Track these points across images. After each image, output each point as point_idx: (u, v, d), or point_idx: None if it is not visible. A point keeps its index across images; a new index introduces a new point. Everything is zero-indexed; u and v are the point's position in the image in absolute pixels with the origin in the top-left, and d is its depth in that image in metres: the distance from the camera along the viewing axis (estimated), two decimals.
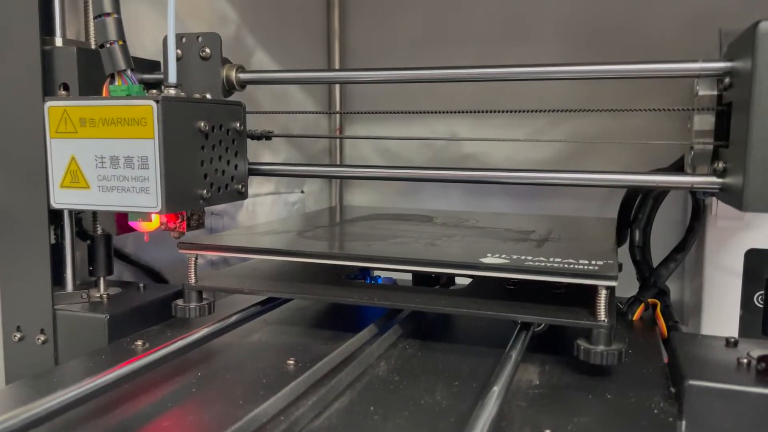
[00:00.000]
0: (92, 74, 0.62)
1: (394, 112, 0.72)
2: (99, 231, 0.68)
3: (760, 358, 0.47)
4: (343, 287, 0.62)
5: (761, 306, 0.69)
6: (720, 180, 0.53)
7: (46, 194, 0.61)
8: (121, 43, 0.55)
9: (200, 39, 0.63)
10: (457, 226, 0.75)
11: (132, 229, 0.60)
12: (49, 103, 0.54)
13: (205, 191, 0.57)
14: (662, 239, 0.76)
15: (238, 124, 0.61)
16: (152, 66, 0.69)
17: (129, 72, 0.55)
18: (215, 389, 0.50)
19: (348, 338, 0.57)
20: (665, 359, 0.57)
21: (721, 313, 0.71)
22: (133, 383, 0.49)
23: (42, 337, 0.62)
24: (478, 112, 0.68)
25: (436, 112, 0.70)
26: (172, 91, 0.54)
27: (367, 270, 0.75)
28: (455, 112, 0.69)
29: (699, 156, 0.56)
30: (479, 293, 0.61)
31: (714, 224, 0.69)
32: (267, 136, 0.69)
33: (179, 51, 0.63)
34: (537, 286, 0.57)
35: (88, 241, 0.68)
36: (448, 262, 0.57)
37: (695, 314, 0.76)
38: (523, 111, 0.65)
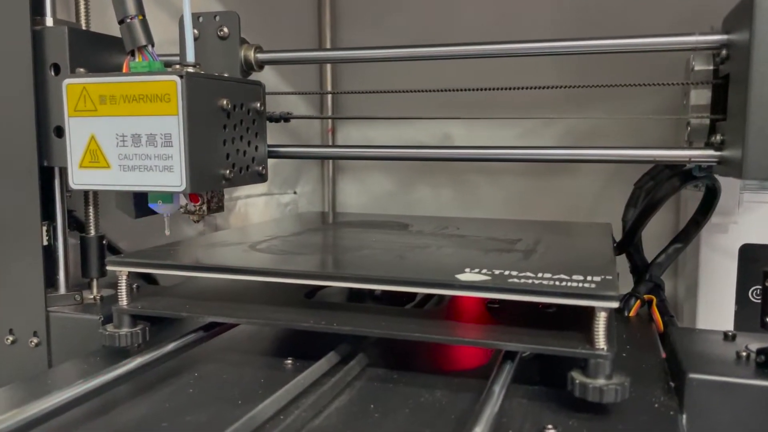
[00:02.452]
0: (83, 55, 0.61)
1: (389, 92, 0.72)
2: (92, 231, 0.67)
3: (760, 351, 0.47)
4: (300, 308, 0.55)
5: (756, 300, 0.69)
6: (718, 153, 0.53)
7: (39, 192, 0.61)
8: (141, 18, 0.54)
9: (218, 18, 0.63)
10: (433, 235, 0.68)
11: (151, 212, 0.59)
12: (67, 81, 0.53)
13: (227, 171, 0.56)
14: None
15: (258, 104, 0.61)
16: None
17: (150, 48, 0.54)
18: None
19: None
20: (663, 354, 0.57)
21: (716, 308, 0.71)
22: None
23: (35, 340, 0.62)
24: (470, 90, 0.68)
25: (427, 91, 0.69)
26: (191, 70, 0.53)
27: None
28: (447, 90, 0.69)
29: (696, 131, 0.56)
30: (456, 314, 0.55)
31: (709, 220, 0.70)
32: (285, 118, 0.68)
33: (196, 31, 0.62)
34: (524, 304, 0.49)
35: (82, 240, 0.67)
36: (416, 279, 0.49)
37: (690, 309, 0.76)
38: (517, 88, 0.65)
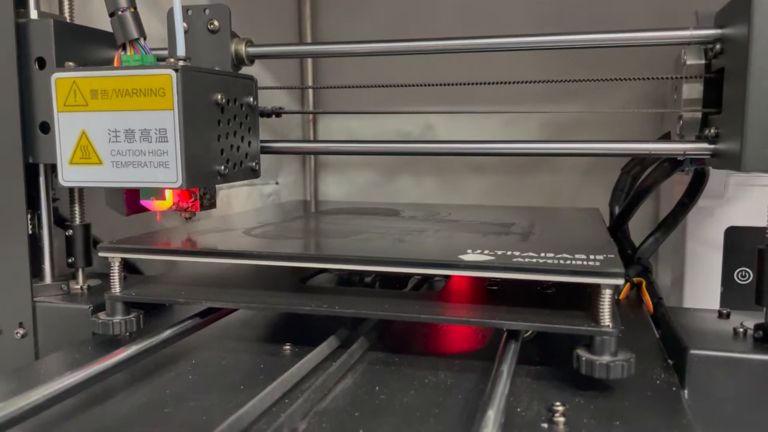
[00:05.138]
0: (69, 48, 0.60)
1: (373, 86, 0.71)
2: (77, 220, 0.65)
3: (758, 326, 0.48)
4: (298, 293, 0.55)
5: (741, 282, 0.71)
6: (712, 146, 0.54)
7: (24, 181, 0.59)
8: (132, 10, 0.52)
9: (207, 12, 0.61)
10: (427, 220, 0.69)
11: (143, 209, 0.57)
12: (56, 75, 0.51)
13: (222, 167, 0.55)
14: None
15: (251, 99, 0.60)
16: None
17: (142, 41, 0.53)
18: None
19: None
20: (656, 334, 0.58)
21: (702, 290, 0.73)
22: None
23: (21, 331, 0.60)
24: (454, 84, 0.68)
25: (411, 86, 0.69)
26: (183, 64, 0.52)
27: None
28: (431, 85, 0.69)
29: (688, 124, 0.57)
30: (457, 296, 0.54)
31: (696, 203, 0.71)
32: (277, 113, 0.67)
33: (185, 24, 0.60)
34: (523, 285, 0.51)
35: (69, 231, 0.65)
36: (422, 260, 0.49)
37: (675, 292, 0.78)
38: (501, 83, 0.65)
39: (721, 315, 0.54)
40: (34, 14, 0.60)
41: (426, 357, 0.52)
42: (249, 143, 0.60)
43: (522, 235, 0.59)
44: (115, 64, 0.53)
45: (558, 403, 0.43)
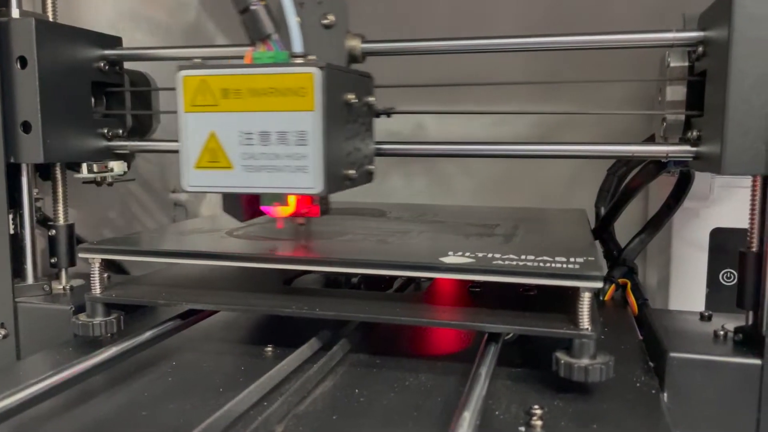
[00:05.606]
0: (52, 48, 0.59)
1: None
2: (61, 220, 0.65)
3: (737, 329, 0.48)
4: (280, 295, 0.55)
5: (727, 283, 0.71)
6: (694, 148, 0.54)
7: (5, 180, 0.59)
8: (264, 3, 0.49)
9: (322, 4, 0.57)
10: (412, 221, 0.68)
11: (260, 214, 0.54)
12: (183, 72, 0.48)
13: (352, 171, 0.52)
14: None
15: (371, 99, 0.56)
16: (113, 41, 0.67)
17: (275, 37, 0.49)
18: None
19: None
20: (639, 336, 0.58)
21: (687, 292, 0.73)
22: None
23: (2, 332, 0.60)
24: (443, 86, 0.68)
25: (403, 87, 0.68)
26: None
27: None
28: (420, 86, 0.68)
29: (671, 127, 0.57)
30: (439, 298, 0.54)
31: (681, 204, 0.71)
32: (388, 113, 0.63)
33: (298, 18, 0.54)
34: (505, 287, 0.51)
35: (52, 231, 0.65)
36: (402, 263, 0.49)
37: (661, 293, 0.78)
38: (488, 84, 0.64)
39: (702, 317, 0.54)
40: (15, 13, 0.60)
41: (408, 359, 0.52)
42: (367, 145, 0.57)
43: (505, 236, 0.59)
44: (246, 62, 0.49)
45: (536, 407, 0.42)
